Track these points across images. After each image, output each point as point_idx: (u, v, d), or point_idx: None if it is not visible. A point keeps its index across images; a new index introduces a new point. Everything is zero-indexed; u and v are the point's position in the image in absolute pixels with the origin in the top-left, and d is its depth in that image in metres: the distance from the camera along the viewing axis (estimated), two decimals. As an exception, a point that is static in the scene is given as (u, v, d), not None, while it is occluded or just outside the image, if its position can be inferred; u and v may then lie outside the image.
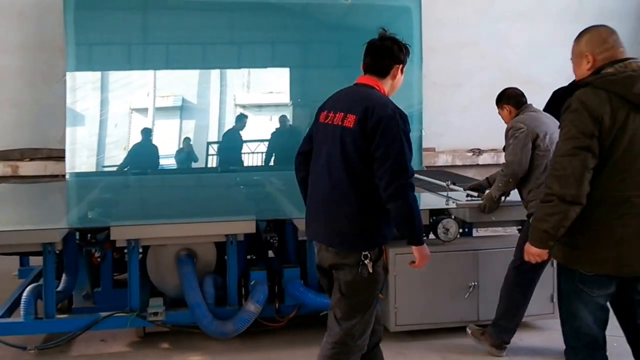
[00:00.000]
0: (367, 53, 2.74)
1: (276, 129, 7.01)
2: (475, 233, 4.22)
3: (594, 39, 2.36)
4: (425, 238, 3.96)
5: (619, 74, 2.25)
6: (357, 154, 2.49)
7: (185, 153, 6.85)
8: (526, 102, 3.75)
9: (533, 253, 2.39)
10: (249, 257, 4.20)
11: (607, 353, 2.42)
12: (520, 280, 3.48)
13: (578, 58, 2.39)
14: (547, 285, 3.68)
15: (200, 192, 4.97)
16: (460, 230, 3.84)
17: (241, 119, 6.86)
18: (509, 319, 3.51)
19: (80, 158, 6.31)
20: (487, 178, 4.06)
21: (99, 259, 3.87)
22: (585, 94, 2.26)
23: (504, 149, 3.68)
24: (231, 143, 6.77)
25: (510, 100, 3.73)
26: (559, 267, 2.45)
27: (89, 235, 3.83)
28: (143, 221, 3.66)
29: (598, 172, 2.21)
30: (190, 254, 3.80)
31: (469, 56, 6.30)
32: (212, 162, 6.83)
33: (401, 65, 2.73)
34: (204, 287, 3.70)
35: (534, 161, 3.50)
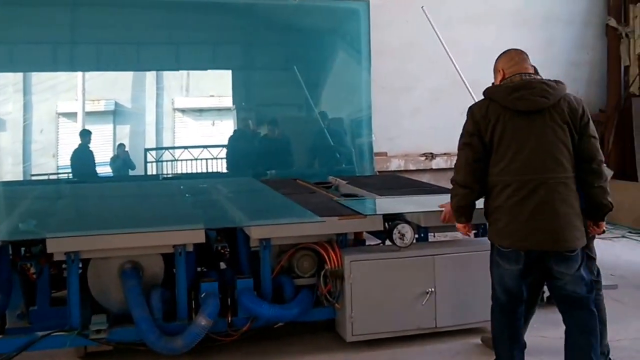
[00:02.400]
0: None
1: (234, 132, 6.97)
2: (430, 238, 4.38)
3: (506, 58, 3.14)
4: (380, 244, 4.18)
5: (501, 86, 3.02)
6: None
7: (121, 160, 6.77)
8: None
9: (457, 226, 3.26)
10: (199, 269, 4.16)
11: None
12: None
13: (495, 72, 3.18)
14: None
15: (142, 201, 4.90)
16: (416, 236, 3.98)
17: (86, 135, 6.72)
18: None
19: (4, 166, 6.09)
20: None
21: (34, 275, 3.76)
22: (476, 103, 3.08)
23: None
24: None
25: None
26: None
27: (23, 248, 3.72)
28: (82, 232, 3.57)
29: (488, 162, 2.95)
30: (135, 267, 3.72)
31: (418, 60, 6.53)
32: (152, 169, 6.76)
33: None
34: (150, 301, 3.64)
35: None
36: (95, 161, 6.80)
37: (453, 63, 5.74)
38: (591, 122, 3.00)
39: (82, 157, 6.66)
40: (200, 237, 3.63)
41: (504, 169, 2.90)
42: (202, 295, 3.69)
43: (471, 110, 3.04)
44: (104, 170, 6.94)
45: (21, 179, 6.28)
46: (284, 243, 3.87)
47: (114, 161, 6.92)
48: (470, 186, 3.00)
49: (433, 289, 3.84)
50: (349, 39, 7.06)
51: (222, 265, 4.32)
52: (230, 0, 6.86)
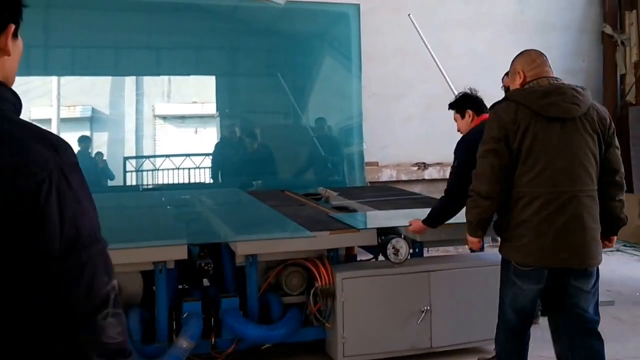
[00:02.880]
0: None
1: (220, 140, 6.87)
2: (425, 253, 4.24)
3: (526, 59, 2.92)
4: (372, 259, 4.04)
5: (529, 89, 2.81)
6: None
7: (100, 170, 6.58)
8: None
9: (469, 240, 3.02)
10: (180, 286, 4.00)
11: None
12: None
13: (513, 75, 2.96)
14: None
15: (120, 214, 4.71)
16: (411, 251, 3.83)
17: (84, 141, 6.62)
18: None
19: None
20: None
21: None
22: (500, 106, 2.86)
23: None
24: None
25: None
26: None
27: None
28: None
29: (514, 171, 2.73)
30: (112, 285, 3.57)
31: (411, 66, 6.43)
32: (132, 179, 6.58)
33: None
34: (128, 322, 3.44)
35: None
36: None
37: (441, 71, 5.66)
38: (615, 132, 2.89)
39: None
40: (182, 253, 3.45)
41: (533, 180, 2.69)
42: (184, 316, 3.51)
43: (497, 114, 2.79)
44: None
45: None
46: (272, 259, 3.70)
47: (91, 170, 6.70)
48: (495, 197, 2.76)
49: (428, 307, 3.69)
50: (338, 43, 6.96)
51: (206, 281, 4.13)
52: (213, 2, 6.70)
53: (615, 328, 4.51)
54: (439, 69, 5.70)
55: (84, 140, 6.58)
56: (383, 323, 3.67)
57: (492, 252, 4.07)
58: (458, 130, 3.68)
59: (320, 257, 3.71)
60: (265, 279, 3.71)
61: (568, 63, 8.06)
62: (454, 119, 3.69)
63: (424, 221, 3.56)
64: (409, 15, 6.05)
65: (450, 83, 5.65)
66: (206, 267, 3.71)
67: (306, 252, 3.68)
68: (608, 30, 8.22)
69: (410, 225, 3.63)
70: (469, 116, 3.60)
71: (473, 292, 3.74)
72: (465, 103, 3.63)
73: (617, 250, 6.93)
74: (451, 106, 3.70)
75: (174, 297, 3.69)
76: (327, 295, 3.62)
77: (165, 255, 3.46)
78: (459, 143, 3.57)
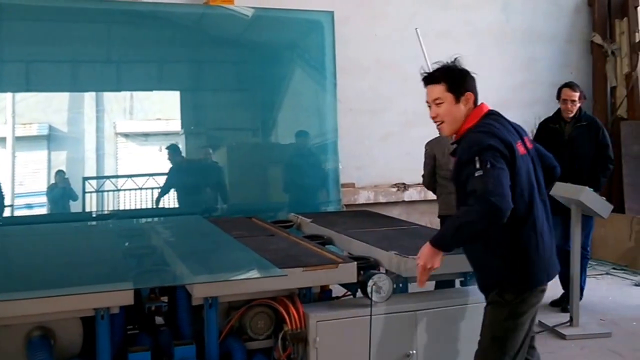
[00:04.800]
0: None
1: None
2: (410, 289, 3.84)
3: None
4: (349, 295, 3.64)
5: None
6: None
7: (61, 189, 6.29)
8: None
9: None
10: (131, 327, 3.57)
11: None
12: None
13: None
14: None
15: (65, 248, 4.29)
16: (394, 286, 3.44)
17: None
18: None
19: None
20: None
21: None
22: None
23: None
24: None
25: None
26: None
27: None
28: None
29: None
30: (46, 335, 3.10)
31: (389, 79, 6.13)
32: (92, 200, 6.24)
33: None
34: (62, 375, 3.05)
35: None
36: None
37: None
38: None
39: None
40: (127, 299, 3.02)
41: None
42: (131, 369, 3.09)
43: None
44: (38, 201, 6.35)
45: None
46: (236, 300, 3.30)
47: (51, 190, 6.36)
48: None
49: (415, 351, 3.33)
50: (310, 55, 6.66)
51: (161, 319, 3.73)
52: (177, 10, 6.38)
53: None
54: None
55: None
56: (363, 371, 3.26)
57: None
58: (438, 122, 2.90)
59: (290, 295, 3.31)
60: (227, 322, 3.30)
61: (555, 75, 7.83)
62: (435, 101, 2.88)
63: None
64: (415, 29, 5.77)
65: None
66: (156, 309, 3.30)
67: (275, 291, 3.29)
68: (597, 39, 8.00)
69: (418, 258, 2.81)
70: (467, 101, 2.89)
71: (462, 330, 3.39)
72: (464, 82, 2.89)
73: (607, 273, 6.69)
74: (436, 80, 2.87)
75: (119, 345, 3.25)
76: (298, 341, 3.22)
77: (108, 301, 3.03)
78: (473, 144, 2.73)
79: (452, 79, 2.87)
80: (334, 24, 6.48)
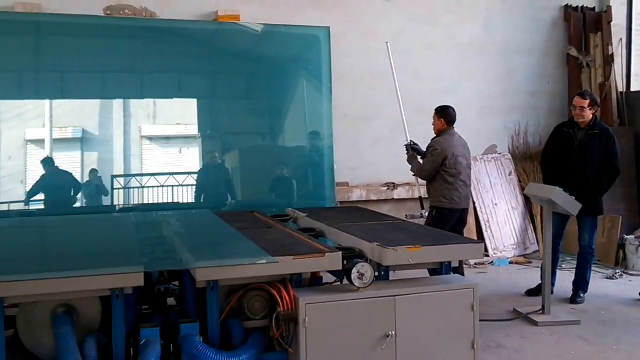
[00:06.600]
0: None
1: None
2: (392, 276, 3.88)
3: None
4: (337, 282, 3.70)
5: None
6: None
7: (94, 186, 6.37)
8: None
9: None
10: (145, 307, 3.66)
11: None
12: None
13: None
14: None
15: (88, 237, 4.37)
16: (376, 274, 3.48)
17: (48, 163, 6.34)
18: None
19: None
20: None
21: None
22: None
23: (424, 155, 5.22)
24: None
25: (448, 117, 5.17)
26: None
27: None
28: (7, 277, 3.03)
29: None
30: (69, 311, 3.20)
31: (380, 88, 6.16)
32: (120, 196, 6.29)
33: None
34: (84, 349, 3.09)
35: (439, 173, 5.05)
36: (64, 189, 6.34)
37: (399, 103, 5.56)
38: None
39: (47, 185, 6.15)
40: (138, 280, 3.09)
41: None
42: (142, 342, 3.15)
43: None
44: (72, 196, 6.44)
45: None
46: (234, 283, 3.35)
47: (86, 187, 6.45)
48: None
49: (394, 332, 3.35)
50: (310, 66, 6.66)
51: (173, 300, 3.79)
52: (194, 27, 6.46)
53: (584, 350, 4.20)
54: (399, 101, 5.59)
55: (48, 163, 6.26)
56: (347, 349, 3.32)
57: (456, 275, 3.76)
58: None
59: (282, 280, 3.36)
60: (227, 303, 3.36)
61: (533, 85, 7.81)
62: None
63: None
64: (386, 43, 5.82)
65: (404, 118, 5.59)
66: (165, 289, 3.36)
67: (269, 276, 3.33)
68: (573, 52, 7.94)
69: None
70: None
71: (440, 317, 3.44)
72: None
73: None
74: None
75: (133, 322, 3.34)
76: (289, 321, 3.27)
77: (121, 282, 3.10)
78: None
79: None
80: (330, 38, 6.51)
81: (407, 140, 5.48)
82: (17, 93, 6.41)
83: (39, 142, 6.69)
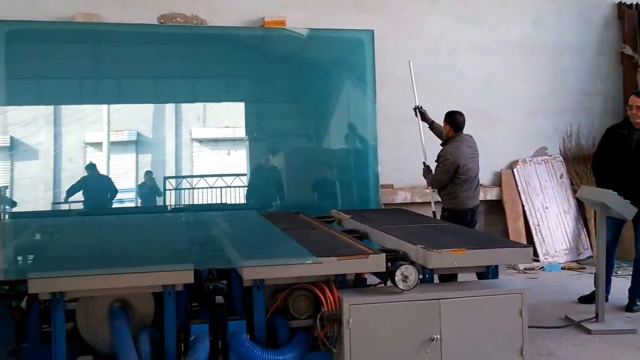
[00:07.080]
0: None
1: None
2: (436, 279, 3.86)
3: None
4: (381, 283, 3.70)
5: None
6: None
7: (148, 187, 6.60)
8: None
9: None
10: (195, 304, 3.77)
11: None
12: None
13: None
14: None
15: (140, 235, 4.54)
16: (420, 277, 3.47)
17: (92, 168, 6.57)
18: None
19: (37, 193, 5.90)
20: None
21: (19, 313, 3.39)
22: None
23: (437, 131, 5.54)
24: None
25: (454, 124, 5.19)
26: None
27: (7, 286, 3.35)
28: (67, 272, 3.19)
29: None
30: (124, 306, 3.33)
31: (424, 89, 6.10)
32: (171, 197, 6.46)
33: None
34: (138, 343, 3.22)
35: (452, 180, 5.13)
36: (111, 191, 6.56)
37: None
38: None
39: (93, 187, 6.42)
40: (188, 277, 3.20)
41: None
42: (192, 338, 3.25)
43: None
44: (128, 196, 6.73)
45: (49, 208, 6.09)
46: (280, 283, 3.41)
47: (141, 188, 6.74)
48: None
49: (438, 336, 3.33)
50: (355, 69, 6.73)
51: (221, 298, 3.90)
52: (242, 33, 6.60)
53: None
54: (417, 118, 5.73)
55: (91, 167, 6.54)
56: (391, 351, 3.32)
57: (505, 279, 3.69)
58: None
59: (327, 281, 3.40)
60: (273, 302, 3.42)
61: (585, 85, 7.56)
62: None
63: None
64: (409, 62, 5.84)
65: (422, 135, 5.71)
66: (214, 288, 3.45)
67: (314, 277, 3.38)
68: (628, 51, 7.63)
69: None
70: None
71: (486, 322, 3.39)
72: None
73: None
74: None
75: (183, 318, 3.46)
76: (333, 321, 3.31)
77: (172, 279, 3.22)
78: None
79: None
80: (374, 41, 6.54)
81: (415, 104, 5.67)
82: (78, 98, 6.72)
83: (97, 145, 6.98)
